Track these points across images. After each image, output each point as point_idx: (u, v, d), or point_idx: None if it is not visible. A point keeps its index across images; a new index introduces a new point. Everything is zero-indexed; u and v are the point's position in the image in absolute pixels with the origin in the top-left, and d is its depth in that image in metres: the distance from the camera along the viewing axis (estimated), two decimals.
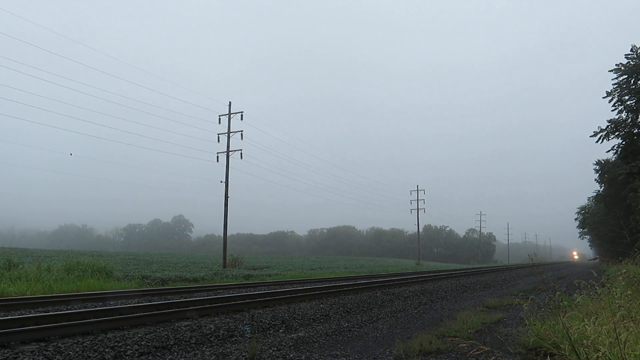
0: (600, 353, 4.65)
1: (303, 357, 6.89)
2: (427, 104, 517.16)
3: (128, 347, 6.88)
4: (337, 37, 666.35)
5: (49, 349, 6.32)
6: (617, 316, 5.21)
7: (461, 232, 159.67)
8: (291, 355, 6.94)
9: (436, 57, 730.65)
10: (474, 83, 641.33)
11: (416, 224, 71.13)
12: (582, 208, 69.16)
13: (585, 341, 5.12)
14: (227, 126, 34.45)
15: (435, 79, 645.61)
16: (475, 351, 6.50)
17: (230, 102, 34.78)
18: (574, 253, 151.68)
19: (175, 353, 7.03)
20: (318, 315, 10.78)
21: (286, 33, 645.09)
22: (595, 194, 53.49)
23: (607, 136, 27.61)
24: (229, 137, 34.33)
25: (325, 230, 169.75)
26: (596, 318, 5.90)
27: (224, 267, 30.82)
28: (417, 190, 71.15)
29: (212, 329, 8.33)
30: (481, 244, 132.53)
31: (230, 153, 34.21)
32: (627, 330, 4.86)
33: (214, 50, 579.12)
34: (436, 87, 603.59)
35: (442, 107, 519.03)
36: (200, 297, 12.54)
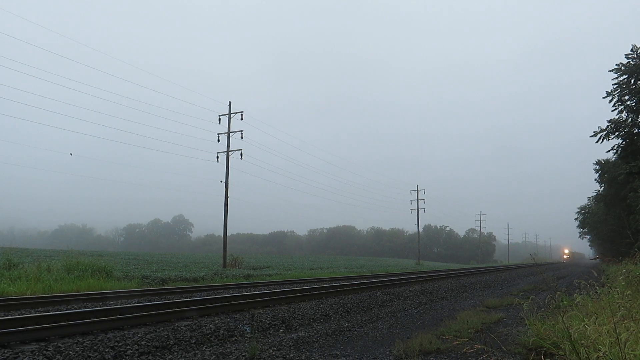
0: (601, 353, 4.65)
1: (303, 357, 6.88)
2: (428, 104, 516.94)
3: (128, 347, 6.88)
4: (339, 35, 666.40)
5: (49, 349, 6.32)
6: (618, 316, 5.21)
7: (461, 232, 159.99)
8: (291, 355, 6.94)
9: (437, 57, 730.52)
10: (474, 83, 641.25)
11: (416, 223, 71.19)
12: (582, 208, 69.27)
13: (585, 341, 5.12)
14: (227, 126, 34.47)
15: (436, 79, 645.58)
16: (471, 349, 6.50)
17: (230, 102, 34.81)
18: (565, 251, 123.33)
19: (175, 353, 7.03)
20: (318, 315, 10.77)
21: (290, 34, 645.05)
22: (595, 194, 53.61)
23: (607, 136, 27.56)
24: (228, 137, 34.34)
25: (325, 230, 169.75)
26: (596, 318, 5.90)
27: (224, 267, 30.82)
28: (417, 190, 71.19)
29: (212, 329, 8.33)
30: (481, 244, 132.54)
31: (230, 153, 34.22)
32: (628, 330, 4.86)
33: (218, 51, 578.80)
34: (437, 87, 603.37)
35: (442, 107, 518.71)
36: (200, 296, 12.53)
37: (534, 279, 27.26)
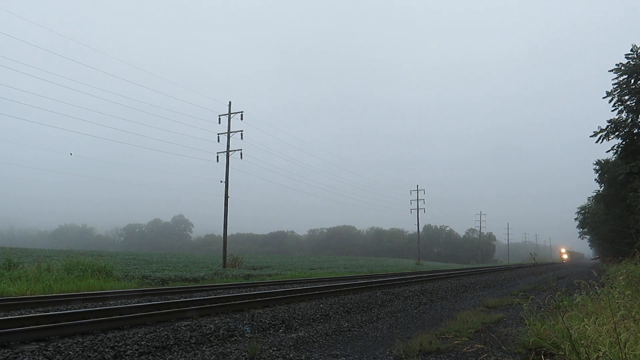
0: (601, 353, 4.65)
1: (303, 357, 6.88)
2: (428, 104, 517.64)
3: (128, 347, 6.88)
4: (340, 35, 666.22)
5: (49, 349, 6.32)
6: (618, 316, 5.21)
7: (461, 232, 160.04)
8: (291, 355, 6.94)
9: (437, 57, 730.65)
10: (474, 83, 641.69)
11: (416, 223, 71.17)
12: (582, 208, 69.32)
13: (585, 341, 5.12)
14: (227, 126, 34.47)
15: (436, 79, 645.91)
16: (471, 349, 6.50)
17: (230, 102, 34.80)
18: (563, 251, 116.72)
19: (175, 353, 7.03)
20: (318, 315, 10.77)
21: (290, 34, 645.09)
22: (595, 194, 53.63)
23: (607, 136, 27.57)
24: (228, 137, 34.34)
25: (325, 230, 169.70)
26: (596, 318, 5.90)
27: (224, 267, 30.81)
28: (417, 190, 71.19)
29: (212, 329, 8.33)
30: (481, 243, 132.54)
31: (230, 153, 34.21)
32: (628, 330, 4.86)
33: (218, 51, 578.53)
34: (437, 87, 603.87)
35: (442, 107, 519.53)
36: (200, 296, 12.53)
37: (533, 279, 27.27)
